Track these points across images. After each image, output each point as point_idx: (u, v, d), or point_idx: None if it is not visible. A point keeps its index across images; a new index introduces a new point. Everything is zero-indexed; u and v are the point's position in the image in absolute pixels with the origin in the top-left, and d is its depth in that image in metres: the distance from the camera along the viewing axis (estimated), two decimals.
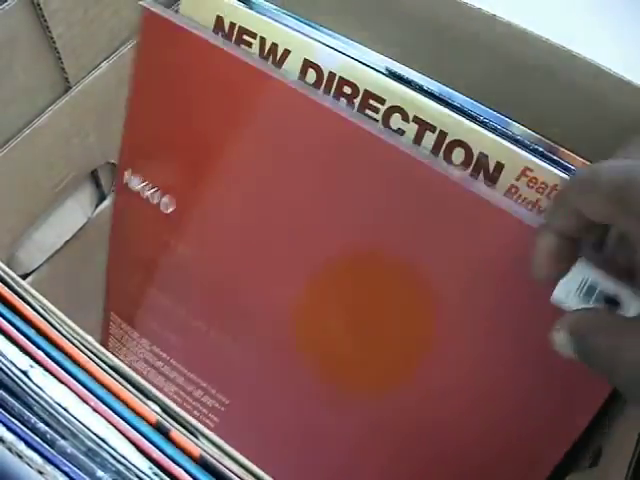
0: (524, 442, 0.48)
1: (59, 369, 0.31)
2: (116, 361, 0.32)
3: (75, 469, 0.29)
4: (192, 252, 0.56)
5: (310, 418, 0.56)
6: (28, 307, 0.33)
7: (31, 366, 0.31)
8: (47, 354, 0.32)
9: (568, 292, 0.38)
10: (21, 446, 0.29)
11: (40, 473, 0.29)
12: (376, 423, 0.53)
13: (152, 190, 0.54)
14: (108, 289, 0.64)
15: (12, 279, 0.33)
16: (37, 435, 0.30)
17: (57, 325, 0.33)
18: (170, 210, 0.54)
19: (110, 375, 0.31)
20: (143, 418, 0.30)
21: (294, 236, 0.50)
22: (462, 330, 0.46)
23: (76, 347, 0.32)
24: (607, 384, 0.42)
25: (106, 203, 0.58)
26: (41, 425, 0.30)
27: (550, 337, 0.36)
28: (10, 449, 0.29)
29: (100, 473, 0.29)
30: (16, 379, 0.31)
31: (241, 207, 0.52)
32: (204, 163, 0.52)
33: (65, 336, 0.32)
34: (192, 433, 0.30)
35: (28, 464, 0.29)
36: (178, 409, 0.31)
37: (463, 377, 0.48)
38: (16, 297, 0.33)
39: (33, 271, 0.54)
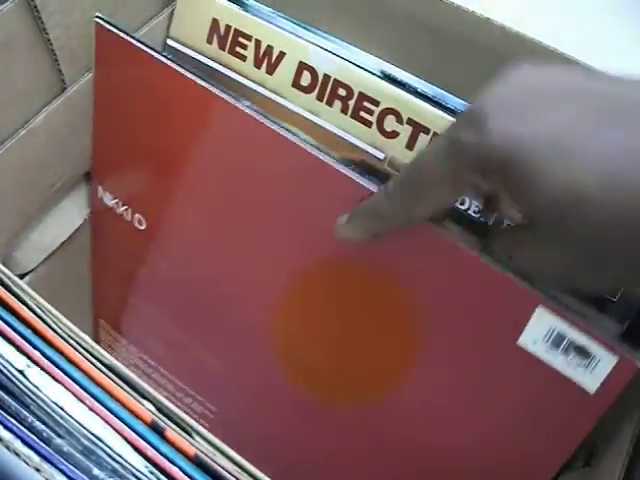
0: (516, 457, 0.47)
1: (55, 369, 0.31)
2: (112, 360, 0.32)
3: (72, 467, 0.29)
4: (167, 267, 0.56)
5: (292, 427, 0.56)
6: (24, 307, 0.33)
7: (28, 366, 0.31)
8: (43, 354, 0.32)
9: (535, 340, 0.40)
10: (18, 444, 0.29)
11: (37, 471, 0.29)
12: (358, 436, 0.53)
13: (124, 208, 0.54)
14: (94, 296, 0.64)
15: (9, 278, 0.34)
16: (34, 433, 0.30)
17: (53, 324, 0.33)
18: (143, 227, 0.54)
19: (105, 374, 0.32)
20: (138, 417, 0.30)
21: (263, 251, 0.49)
22: (447, 347, 0.45)
23: (72, 347, 0.32)
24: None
25: None
26: (38, 424, 0.30)
27: None
28: (8, 447, 0.29)
29: (96, 471, 0.29)
30: (13, 378, 0.31)
31: (207, 224, 0.51)
32: (167, 181, 0.51)
33: (61, 335, 0.32)
34: (187, 432, 0.31)
35: (25, 462, 0.29)
36: (173, 407, 0.31)
37: (449, 393, 0.47)
38: (12, 297, 0.33)
39: (30, 271, 0.55)
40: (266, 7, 0.52)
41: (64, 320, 0.33)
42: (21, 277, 0.54)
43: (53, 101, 0.50)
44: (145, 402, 0.31)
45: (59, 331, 0.33)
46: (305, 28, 0.51)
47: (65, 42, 0.48)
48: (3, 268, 0.34)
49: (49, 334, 0.32)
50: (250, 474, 0.30)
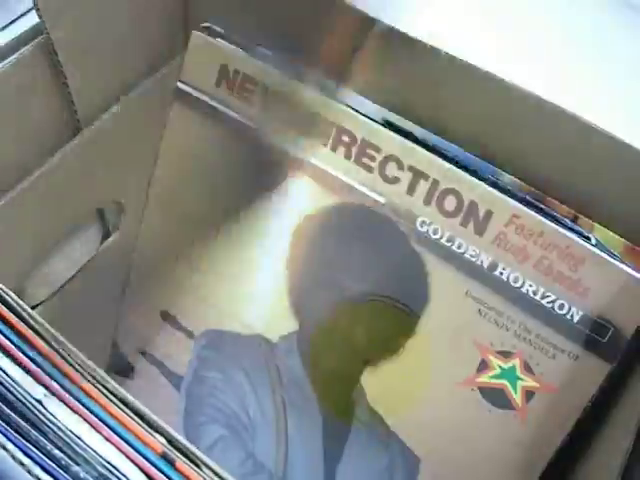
0: None
1: (72, 399, 0.33)
2: (124, 393, 0.34)
3: None
4: None
5: None
6: (41, 340, 0.34)
7: (45, 395, 0.33)
8: (60, 384, 0.33)
9: None
10: (37, 470, 0.31)
11: None
12: None
13: None
14: None
15: (25, 311, 0.35)
16: (52, 461, 0.31)
17: (68, 357, 0.34)
18: None
19: (119, 407, 0.33)
20: (151, 448, 0.32)
21: None
22: None
23: (87, 380, 0.33)
24: None
25: (111, 239, 0.60)
26: (56, 452, 0.31)
27: None
28: (30, 472, 0.30)
29: None
30: (31, 407, 0.32)
31: None
32: None
33: (77, 369, 0.34)
34: (196, 464, 0.32)
35: None
36: (183, 440, 0.33)
37: None
38: (29, 330, 0.35)
39: (40, 304, 0.56)
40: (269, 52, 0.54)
41: (78, 353, 0.34)
42: (31, 309, 0.55)
43: (69, 142, 0.51)
44: (157, 435, 0.32)
45: (74, 364, 0.34)
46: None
47: (80, 84, 0.50)
48: (19, 300, 0.35)
49: (65, 367, 0.34)
50: None
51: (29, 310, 0.35)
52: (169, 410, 0.63)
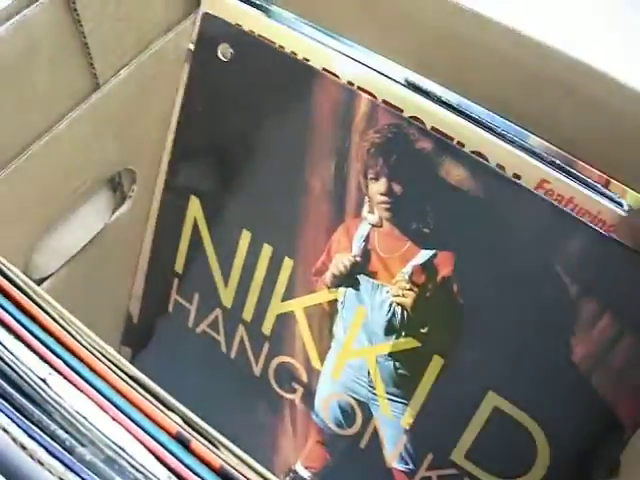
0: None
1: (78, 378, 0.31)
2: (135, 371, 0.32)
3: (94, 476, 0.29)
4: None
5: None
6: (47, 316, 0.33)
7: (50, 374, 0.31)
8: (66, 363, 0.32)
9: None
10: (41, 452, 0.29)
11: None
12: None
13: None
14: None
15: (30, 288, 0.34)
16: (57, 442, 0.30)
17: (75, 334, 0.33)
18: None
19: (130, 385, 0.32)
20: (163, 428, 0.30)
21: None
22: None
23: (95, 356, 0.32)
24: None
25: (124, 208, 0.59)
26: (61, 432, 0.30)
27: None
28: (32, 456, 0.29)
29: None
30: (35, 386, 0.31)
31: None
32: None
33: (84, 345, 0.32)
34: (212, 443, 0.31)
35: (49, 471, 0.29)
36: (199, 420, 0.31)
37: None
38: (34, 306, 0.33)
39: (50, 275, 0.55)
40: (290, 14, 0.52)
41: (86, 330, 0.33)
42: (41, 281, 0.54)
43: (79, 106, 0.50)
44: (171, 414, 0.31)
45: (81, 340, 0.33)
46: (329, 35, 0.51)
47: (99, 36, 0.48)
48: (24, 277, 0.34)
49: (71, 343, 0.32)
50: None
51: (33, 285, 0.34)
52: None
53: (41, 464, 0.29)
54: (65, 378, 0.31)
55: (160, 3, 0.52)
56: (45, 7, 0.44)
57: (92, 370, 0.32)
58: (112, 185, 0.58)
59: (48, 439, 0.30)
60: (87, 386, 0.31)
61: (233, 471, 0.29)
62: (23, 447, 0.29)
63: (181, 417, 0.31)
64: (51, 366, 0.32)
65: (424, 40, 0.49)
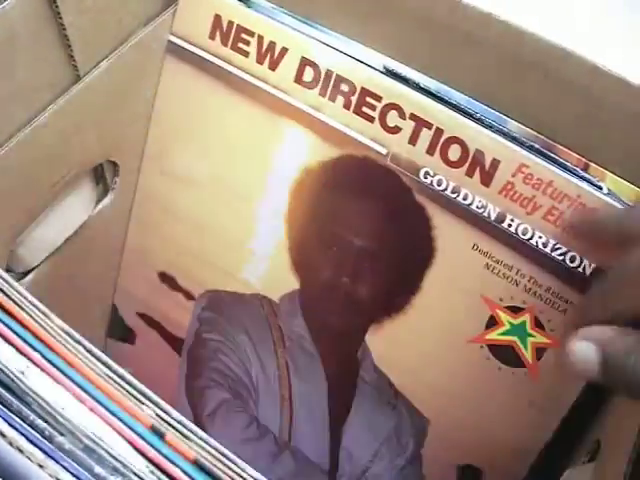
0: None
1: (55, 370, 0.31)
2: (111, 362, 0.32)
3: (74, 464, 0.29)
4: None
5: None
6: (22, 311, 0.33)
7: (27, 366, 0.31)
8: (43, 356, 0.32)
9: None
10: (22, 441, 0.30)
11: (41, 467, 0.29)
12: None
13: None
14: None
15: (7, 283, 0.34)
16: (36, 431, 0.30)
17: (50, 328, 0.33)
18: None
19: (106, 377, 0.32)
20: (139, 420, 0.31)
21: None
22: None
23: (70, 350, 0.32)
24: None
25: (107, 200, 0.58)
26: (39, 422, 0.30)
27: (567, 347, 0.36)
28: (11, 443, 0.29)
29: (98, 469, 0.29)
30: (14, 377, 0.31)
31: None
32: None
33: (59, 340, 0.32)
34: (186, 437, 0.31)
35: (29, 458, 0.29)
36: (173, 411, 0.31)
37: None
38: (10, 301, 0.33)
39: (34, 268, 0.55)
40: (268, 3, 0.52)
41: (64, 326, 0.33)
42: (25, 274, 0.54)
43: (59, 98, 0.50)
44: (145, 407, 0.31)
45: (57, 336, 0.33)
46: (307, 24, 0.51)
47: (79, 28, 0.48)
48: (2, 272, 0.34)
49: (47, 337, 0.32)
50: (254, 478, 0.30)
51: (8, 279, 0.34)
52: (170, 374, 0.62)
53: (21, 451, 0.29)
54: (43, 370, 0.31)
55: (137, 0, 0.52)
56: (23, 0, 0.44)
57: (68, 363, 0.32)
58: (95, 177, 0.58)
59: (27, 427, 0.30)
60: (64, 378, 0.31)
61: (208, 464, 0.30)
62: (2, 435, 0.29)
63: (154, 410, 0.31)
64: (28, 359, 0.32)
65: (402, 27, 0.49)
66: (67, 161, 0.53)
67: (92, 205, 0.58)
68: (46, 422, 0.30)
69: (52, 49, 0.48)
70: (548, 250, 0.46)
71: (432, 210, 0.49)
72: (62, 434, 0.30)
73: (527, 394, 0.49)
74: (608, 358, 0.34)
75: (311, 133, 0.51)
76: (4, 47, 0.45)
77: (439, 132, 0.47)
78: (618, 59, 0.44)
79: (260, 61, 0.52)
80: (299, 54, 0.50)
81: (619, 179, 0.45)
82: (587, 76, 0.44)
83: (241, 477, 0.30)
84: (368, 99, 0.49)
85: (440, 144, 0.47)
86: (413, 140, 0.48)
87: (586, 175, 0.46)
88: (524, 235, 0.46)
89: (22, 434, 0.30)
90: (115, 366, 0.32)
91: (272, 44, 0.51)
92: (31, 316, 0.33)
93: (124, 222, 0.61)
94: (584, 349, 0.35)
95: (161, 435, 0.30)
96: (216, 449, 0.30)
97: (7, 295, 0.33)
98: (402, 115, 0.48)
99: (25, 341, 0.32)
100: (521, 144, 0.46)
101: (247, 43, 0.52)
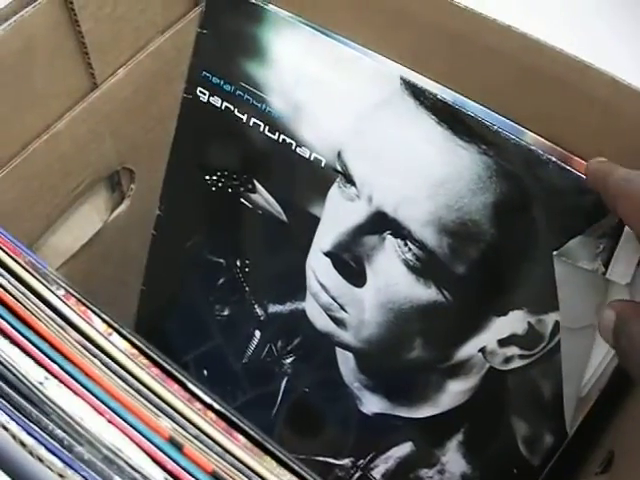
0: None
1: (73, 382, 0.32)
2: (127, 375, 0.32)
3: (93, 474, 0.30)
4: None
5: None
6: (39, 321, 0.33)
7: (46, 378, 0.32)
8: (61, 367, 0.32)
9: None
10: (41, 450, 0.30)
11: (61, 477, 0.29)
12: None
13: None
14: None
15: (24, 295, 0.34)
16: (55, 440, 0.30)
17: (68, 339, 0.33)
18: None
19: (124, 389, 0.32)
20: (157, 432, 0.31)
21: None
22: None
23: (90, 362, 0.32)
24: None
25: (123, 207, 0.59)
26: (59, 431, 0.30)
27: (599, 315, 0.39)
28: (31, 453, 0.29)
29: (117, 479, 0.30)
30: (33, 388, 0.31)
31: None
32: None
33: (78, 350, 0.32)
34: (205, 448, 0.31)
35: (49, 468, 0.29)
36: (190, 423, 0.31)
37: None
38: (26, 311, 0.33)
39: None
40: (286, 12, 0.52)
41: (79, 335, 0.33)
42: None
43: (77, 105, 0.50)
44: (163, 419, 0.31)
45: (76, 346, 0.33)
46: (324, 34, 0.51)
47: (96, 37, 0.48)
48: (20, 286, 0.34)
49: (65, 348, 0.33)
50: None
51: (25, 291, 0.34)
52: None
53: (41, 461, 0.29)
54: (61, 382, 0.31)
55: (157, 3, 0.53)
56: (43, 8, 0.45)
57: (86, 375, 0.32)
58: (111, 184, 0.58)
59: (47, 437, 0.30)
60: (83, 390, 0.31)
61: (226, 476, 0.30)
62: (23, 444, 0.30)
63: (171, 423, 0.31)
64: (47, 370, 0.32)
65: (421, 38, 0.49)
66: (83, 168, 0.53)
67: (108, 212, 0.58)
68: (65, 432, 0.30)
69: (70, 57, 0.48)
70: None
71: None
72: (81, 444, 0.30)
73: None
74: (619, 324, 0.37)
75: None
76: (22, 55, 0.45)
77: None
78: (637, 72, 0.44)
79: None
80: None
81: None
82: (605, 89, 0.44)
83: None
84: None
85: None
86: None
87: None
88: None
89: (41, 443, 0.30)
90: (131, 378, 0.32)
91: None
92: (48, 326, 0.33)
93: (140, 229, 0.61)
94: (607, 316, 0.38)
95: (179, 447, 0.30)
96: (234, 461, 0.31)
97: (25, 306, 0.33)
98: None
99: (43, 352, 0.32)
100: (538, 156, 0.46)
101: None
